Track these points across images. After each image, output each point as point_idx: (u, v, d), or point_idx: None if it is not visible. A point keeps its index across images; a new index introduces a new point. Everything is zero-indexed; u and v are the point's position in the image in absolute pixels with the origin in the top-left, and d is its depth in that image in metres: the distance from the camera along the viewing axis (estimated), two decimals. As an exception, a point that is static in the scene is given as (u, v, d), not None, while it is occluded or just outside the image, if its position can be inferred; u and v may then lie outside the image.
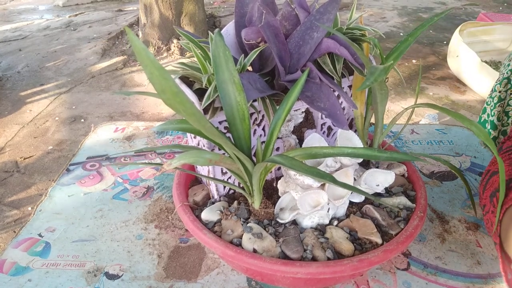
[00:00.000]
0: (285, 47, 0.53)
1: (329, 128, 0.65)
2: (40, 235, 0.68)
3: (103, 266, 0.62)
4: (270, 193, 0.60)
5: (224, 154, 0.53)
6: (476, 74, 2.59)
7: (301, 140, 0.62)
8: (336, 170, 0.54)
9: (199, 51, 0.53)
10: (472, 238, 0.65)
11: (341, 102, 0.63)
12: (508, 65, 0.92)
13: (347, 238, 0.51)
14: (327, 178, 0.40)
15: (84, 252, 0.64)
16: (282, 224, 0.54)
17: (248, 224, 0.53)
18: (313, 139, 0.56)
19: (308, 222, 0.54)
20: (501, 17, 3.19)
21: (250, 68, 0.57)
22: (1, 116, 2.66)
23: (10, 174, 2.08)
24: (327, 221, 0.54)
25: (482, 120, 0.99)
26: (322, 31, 0.52)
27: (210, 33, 0.53)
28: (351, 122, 0.67)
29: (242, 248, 0.50)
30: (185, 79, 0.56)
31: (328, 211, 0.54)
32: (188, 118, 0.34)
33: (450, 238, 0.66)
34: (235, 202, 0.58)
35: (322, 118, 0.62)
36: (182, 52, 3.52)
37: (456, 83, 2.83)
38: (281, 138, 0.61)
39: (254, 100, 0.53)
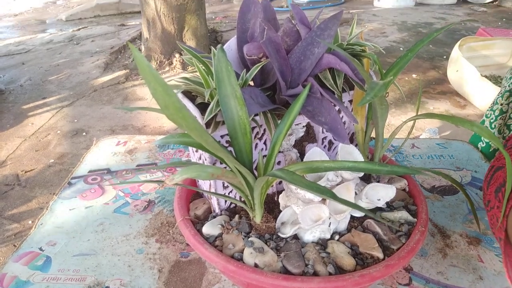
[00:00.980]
0: (286, 62, 0.54)
1: (330, 142, 0.65)
2: (41, 249, 0.68)
3: (103, 280, 0.62)
4: (272, 207, 0.60)
5: (225, 168, 0.53)
6: (476, 88, 2.61)
7: (302, 154, 0.63)
8: (337, 184, 0.54)
9: (202, 66, 0.54)
10: (474, 253, 0.65)
11: (342, 117, 0.63)
12: (511, 78, 0.93)
13: (348, 253, 0.51)
14: (327, 194, 0.40)
15: (85, 267, 0.64)
16: (283, 238, 0.54)
17: (250, 239, 0.53)
18: (314, 153, 0.56)
19: (309, 236, 0.54)
20: (500, 32, 3.21)
21: (251, 83, 0.57)
22: (3, 129, 2.67)
23: (11, 187, 2.08)
24: (328, 236, 0.54)
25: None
26: (323, 46, 0.53)
27: (212, 48, 0.53)
28: (352, 137, 0.67)
29: (244, 262, 0.50)
30: (188, 94, 0.57)
31: (329, 226, 0.54)
32: (191, 133, 0.35)
33: (452, 253, 0.65)
34: (236, 216, 0.58)
35: (323, 132, 0.63)
36: (184, 66, 3.55)
37: (456, 97, 2.85)
38: (282, 152, 0.61)
39: (256, 115, 0.54)
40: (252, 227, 0.55)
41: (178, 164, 0.52)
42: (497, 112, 0.93)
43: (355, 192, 0.55)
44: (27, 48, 4.45)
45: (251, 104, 0.50)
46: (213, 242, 0.54)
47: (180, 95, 0.56)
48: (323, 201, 0.52)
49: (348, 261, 0.50)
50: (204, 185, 0.62)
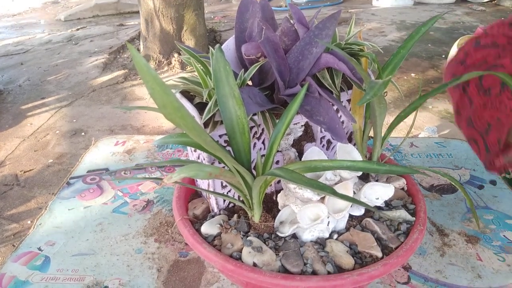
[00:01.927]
0: (284, 62, 0.54)
1: (328, 142, 0.66)
2: (39, 249, 0.68)
3: (102, 280, 0.62)
4: (270, 206, 0.60)
5: (224, 167, 0.53)
6: (475, 87, 2.60)
7: (300, 153, 0.63)
8: (336, 184, 0.54)
9: (200, 65, 0.54)
10: (472, 252, 0.65)
11: (340, 116, 0.63)
12: None
13: (347, 251, 0.51)
14: (327, 190, 0.40)
15: (84, 266, 0.64)
16: (282, 237, 0.54)
17: (248, 238, 0.53)
18: (313, 152, 0.56)
19: (308, 235, 0.54)
20: (499, 31, 3.20)
21: (250, 83, 0.57)
22: (1, 130, 2.67)
23: (10, 188, 2.08)
24: (327, 235, 0.54)
25: None
26: (321, 46, 0.53)
27: (210, 48, 0.54)
28: (350, 136, 0.67)
29: (242, 262, 0.50)
30: (186, 93, 0.57)
31: (328, 225, 0.54)
32: (189, 132, 0.35)
33: (450, 251, 0.65)
34: (235, 215, 0.58)
35: (321, 131, 0.63)
36: (183, 66, 3.55)
37: (455, 96, 2.84)
38: (280, 151, 0.61)
39: (254, 114, 0.54)
40: (251, 227, 0.55)
41: (177, 162, 0.52)
42: None
43: (354, 191, 0.55)
44: (25, 48, 4.44)
45: (250, 104, 0.50)
46: (212, 242, 0.54)
47: (178, 95, 0.56)
48: (322, 200, 0.52)
49: (346, 260, 0.50)
50: (203, 184, 0.63)
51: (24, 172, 2.20)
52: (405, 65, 3.21)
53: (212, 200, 0.60)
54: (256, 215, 0.54)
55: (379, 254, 0.51)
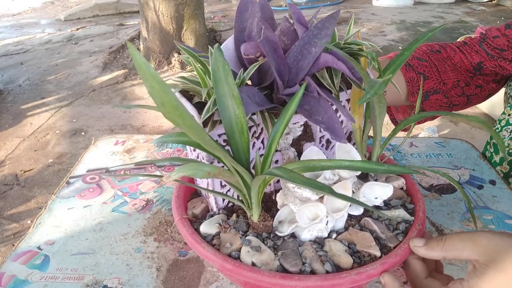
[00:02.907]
0: (283, 62, 0.54)
1: (328, 141, 0.65)
2: (39, 248, 0.68)
3: (102, 279, 0.62)
4: (269, 206, 0.60)
5: (223, 166, 0.53)
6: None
7: (299, 153, 0.63)
8: (335, 183, 0.54)
9: (199, 65, 0.54)
10: (471, 251, 0.65)
11: (339, 116, 0.63)
12: None
13: (345, 251, 0.51)
14: (325, 189, 0.40)
15: (83, 265, 0.64)
16: (280, 237, 0.54)
17: (247, 237, 0.53)
18: (312, 152, 0.57)
19: (307, 235, 0.54)
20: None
21: (249, 82, 0.57)
22: (1, 129, 2.67)
23: (10, 187, 2.08)
24: (326, 234, 0.54)
25: (486, 144, 0.98)
26: (320, 46, 0.53)
27: (210, 47, 0.54)
28: (350, 135, 0.67)
29: (241, 261, 0.50)
30: (185, 93, 0.57)
31: (326, 224, 0.54)
32: (188, 131, 0.35)
33: (450, 251, 0.66)
34: (234, 215, 0.58)
35: (320, 131, 0.63)
36: (183, 66, 3.55)
37: (455, 96, 2.85)
38: (280, 151, 0.61)
39: (253, 114, 0.54)
40: (250, 226, 0.55)
41: (176, 160, 0.52)
42: (503, 123, 0.91)
43: (352, 191, 0.55)
44: (25, 48, 4.45)
45: (249, 103, 0.50)
46: (211, 241, 0.54)
47: (177, 94, 0.56)
48: (321, 199, 0.52)
49: (345, 259, 0.50)
50: (202, 184, 0.63)
51: (24, 172, 2.20)
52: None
53: (211, 199, 0.60)
54: (255, 215, 0.54)
55: (378, 253, 0.51)
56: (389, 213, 0.57)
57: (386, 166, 0.45)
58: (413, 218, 0.56)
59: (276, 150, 0.60)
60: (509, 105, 0.90)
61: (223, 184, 0.60)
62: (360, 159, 0.58)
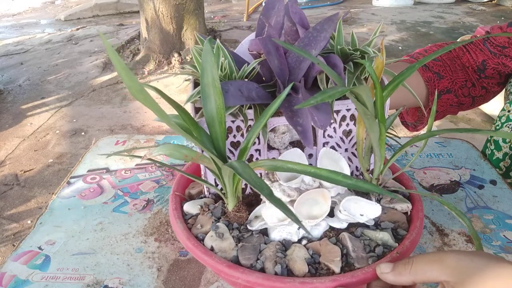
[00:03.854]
0: (283, 61, 0.54)
1: (333, 149, 0.63)
2: (40, 248, 0.68)
3: (102, 279, 0.62)
4: (255, 201, 0.60)
5: (203, 152, 0.54)
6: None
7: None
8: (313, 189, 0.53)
9: (199, 56, 0.55)
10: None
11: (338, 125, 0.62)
12: None
13: (305, 259, 0.50)
14: (264, 190, 0.39)
15: (84, 265, 0.64)
16: (250, 231, 0.54)
17: (217, 223, 0.54)
18: (293, 153, 0.55)
19: (276, 235, 0.53)
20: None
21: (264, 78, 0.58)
22: (1, 129, 2.67)
23: (10, 187, 2.08)
24: (295, 239, 0.53)
25: (485, 142, 0.98)
26: (319, 48, 0.53)
27: (218, 41, 0.55)
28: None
29: (203, 243, 0.52)
30: (197, 82, 0.59)
31: (298, 229, 0.53)
32: (155, 113, 0.39)
33: (450, 251, 0.65)
34: (219, 202, 0.59)
35: (324, 137, 0.61)
36: (183, 66, 3.55)
37: (455, 96, 2.85)
38: (278, 149, 0.61)
39: (249, 108, 0.55)
40: (225, 214, 0.57)
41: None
42: (503, 119, 0.91)
43: (336, 202, 0.53)
44: (25, 48, 4.45)
45: (234, 96, 0.51)
46: (188, 220, 0.57)
47: (192, 84, 0.59)
48: (291, 203, 0.52)
49: (299, 267, 0.48)
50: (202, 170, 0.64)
51: (24, 172, 2.20)
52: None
53: (217, 182, 0.61)
54: (230, 204, 0.55)
55: (337, 270, 0.49)
56: (373, 233, 0.53)
57: (354, 181, 0.43)
58: (396, 245, 0.52)
59: (274, 148, 0.61)
60: (508, 101, 0.90)
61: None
62: (348, 170, 0.55)
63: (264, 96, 0.54)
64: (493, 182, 0.82)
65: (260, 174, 0.61)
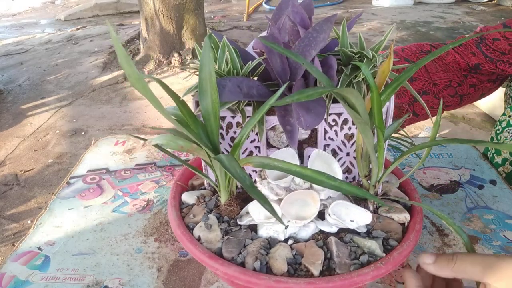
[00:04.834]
0: (283, 60, 0.54)
1: (334, 152, 0.62)
2: (39, 248, 0.68)
3: (102, 280, 0.62)
4: (251, 198, 0.60)
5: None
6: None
7: (300, 155, 0.62)
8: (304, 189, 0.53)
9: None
10: (472, 252, 0.65)
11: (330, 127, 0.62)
12: None
13: (286, 258, 0.50)
14: (246, 182, 0.42)
15: (84, 266, 0.64)
16: (239, 225, 0.55)
17: (209, 215, 0.56)
18: (284, 153, 0.55)
19: (263, 232, 0.54)
20: (499, 31, 3.20)
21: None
22: (1, 129, 2.67)
23: (10, 187, 2.08)
24: (281, 238, 0.53)
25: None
26: (318, 48, 0.53)
27: (224, 38, 0.56)
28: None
29: (191, 232, 0.54)
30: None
31: (286, 228, 0.53)
32: (150, 102, 0.40)
33: (450, 251, 0.66)
34: (216, 195, 0.60)
35: (325, 139, 0.61)
36: (183, 65, 3.54)
37: (455, 96, 2.84)
38: (278, 148, 0.61)
39: (248, 104, 0.55)
40: (217, 207, 0.58)
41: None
42: (504, 124, 0.90)
43: (326, 205, 0.53)
44: (25, 48, 4.44)
45: (230, 92, 0.51)
46: (183, 209, 0.59)
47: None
48: (278, 201, 0.52)
49: (278, 265, 0.48)
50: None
51: (24, 172, 2.20)
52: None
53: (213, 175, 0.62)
54: (222, 197, 0.56)
55: (315, 273, 0.48)
56: (362, 241, 0.52)
57: (338, 183, 0.43)
58: (383, 255, 0.50)
59: (273, 146, 0.61)
60: (509, 106, 0.90)
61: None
62: (341, 173, 0.54)
63: (265, 94, 0.54)
64: (493, 182, 0.82)
65: (255, 171, 0.61)
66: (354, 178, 0.62)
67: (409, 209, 0.58)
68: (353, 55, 0.54)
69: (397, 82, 0.50)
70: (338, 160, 0.61)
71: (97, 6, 5.85)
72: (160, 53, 3.63)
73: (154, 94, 0.40)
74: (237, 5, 6.17)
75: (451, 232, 0.69)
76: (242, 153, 0.60)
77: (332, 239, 0.52)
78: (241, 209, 0.57)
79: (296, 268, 0.49)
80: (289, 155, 0.55)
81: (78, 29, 5.16)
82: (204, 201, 0.60)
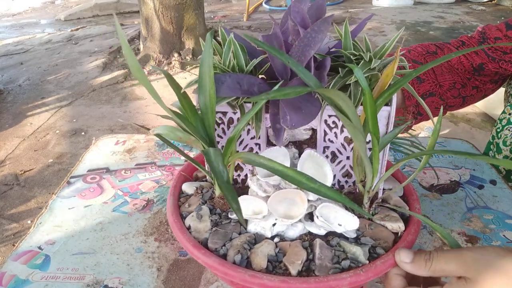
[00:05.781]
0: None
1: (334, 154, 0.61)
2: (40, 247, 0.68)
3: (102, 279, 0.62)
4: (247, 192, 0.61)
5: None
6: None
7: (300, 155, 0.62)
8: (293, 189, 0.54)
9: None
10: (472, 251, 0.65)
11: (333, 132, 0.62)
12: None
13: (268, 255, 0.50)
14: (220, 178, 0.43)
15: (84, 265, 0.64)
16: (230, 218, 0.56)
17: (202, 206, 0.57)
18: (276, 151, 0.55)
19: (252, 227, 0.54)
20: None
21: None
22: (1, 129, 2.67)
23: (10, 187, 2.08)
24: (268, 234, 0.53)
25: (488, 144, 0.97)
26: (316, 48, 0.53)
27: (232, 35, 0.56)
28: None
29: (183, 220, 0.55)
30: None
31: (273, 226, 0.53)
32: (149, 92, 0.43)
33: (450, 251, 0.65)
34: (213, 187, 0.61)
35: (325, 141, 0.60)
36: (183, 66, 3.55)
37: (455, 96, 2.84)
38: (279, 146, 0.61)
39: (247, 102, 0.56)
40: (212, 199, 0.59)
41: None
42: (504, 122, 0.90)
43: (315, 207, 0.53)
44: (25, 48, 4.44)
45: (230, 88, 0.52)
46: (181, 198, 0.60)
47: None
48: (266, 198, 0.53)
49: (259, 261, 0.49)
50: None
51: (24, 172, 2.20)
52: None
53: (207, 167, 0.62)
54: (216, 190, 0.58)
55: (293, 272, 0.48)
56: (348, 246, 0.51)
57: (317, 185, 0.43)
58: (367, 262, 0.49)
59: (274, 144, 0.61)
60: (509, 104, 0.90)
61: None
62: (332, 175, 0.54)
63: (266, 91, 0.55)
64: (493, 182, 0.82)
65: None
66: (354, 182, 0.61)
67: (407, 219, 0.56)
68: (352, 57, 0.54)
69: (395, 87, 0.49)
70: (338, 163, 0.60)
71: (97, 6, 5.85)
72: (160, 53, 3.63)
73: (152, 86, 0.42)
74: (237, 5, 6.17)
75: (451, 232, 0.69)
76: (243, 150, 0.61)
77: (318, 241, 0.51)
78: None
79: (275, 266, 0.49)
80: (281, 154, 0.56)
81: (78, 29, 5.16)
82: (201, 192, 0.61)
